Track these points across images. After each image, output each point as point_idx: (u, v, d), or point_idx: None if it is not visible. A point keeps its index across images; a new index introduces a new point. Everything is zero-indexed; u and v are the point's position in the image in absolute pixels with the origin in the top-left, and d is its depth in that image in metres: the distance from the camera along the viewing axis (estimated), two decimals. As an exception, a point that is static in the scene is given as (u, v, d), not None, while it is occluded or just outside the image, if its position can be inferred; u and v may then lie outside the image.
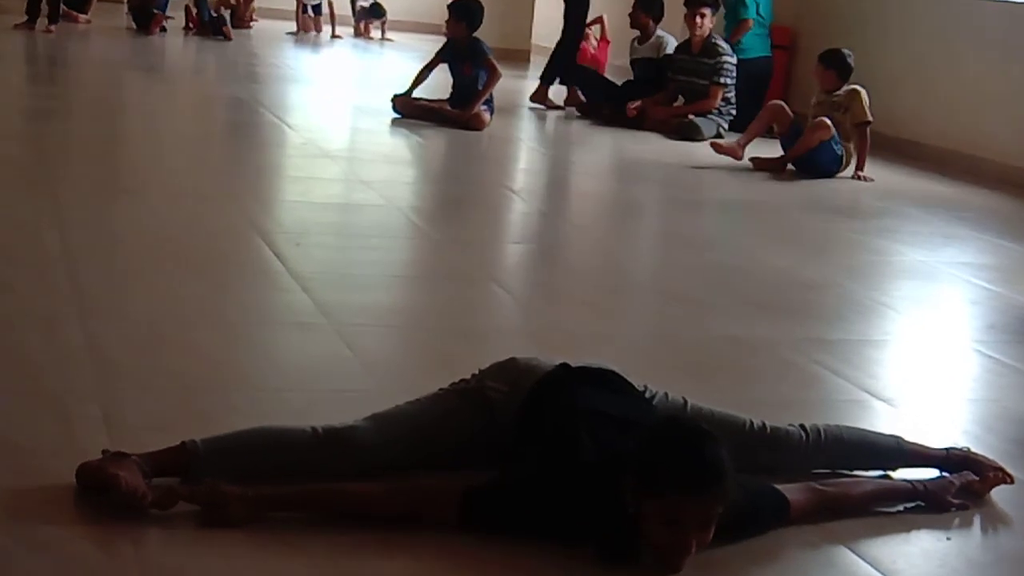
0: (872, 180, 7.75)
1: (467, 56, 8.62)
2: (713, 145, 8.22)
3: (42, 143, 6.59)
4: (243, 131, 8.07)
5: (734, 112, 9.12)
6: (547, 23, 14.58)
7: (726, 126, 9.01)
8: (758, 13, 9.80)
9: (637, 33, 9.93)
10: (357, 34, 16.27)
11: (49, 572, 2.18)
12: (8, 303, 3.68)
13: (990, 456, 3.00)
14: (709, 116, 9.02)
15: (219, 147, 7.52)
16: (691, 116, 8.99)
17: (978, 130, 8.67)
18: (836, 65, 8.00)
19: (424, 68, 8.81)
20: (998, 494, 2.89)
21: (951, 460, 2.95)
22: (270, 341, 3.69)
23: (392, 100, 8.64)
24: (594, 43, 11.52)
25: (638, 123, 9.16)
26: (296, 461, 2.58)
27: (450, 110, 8.47)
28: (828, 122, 7.86)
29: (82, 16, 13.41)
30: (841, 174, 7.80)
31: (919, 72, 9.27)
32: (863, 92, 7.93)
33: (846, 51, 8.13)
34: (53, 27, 11.86)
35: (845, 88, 7.95)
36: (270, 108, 8.87)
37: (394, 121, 8.46)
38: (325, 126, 8.62)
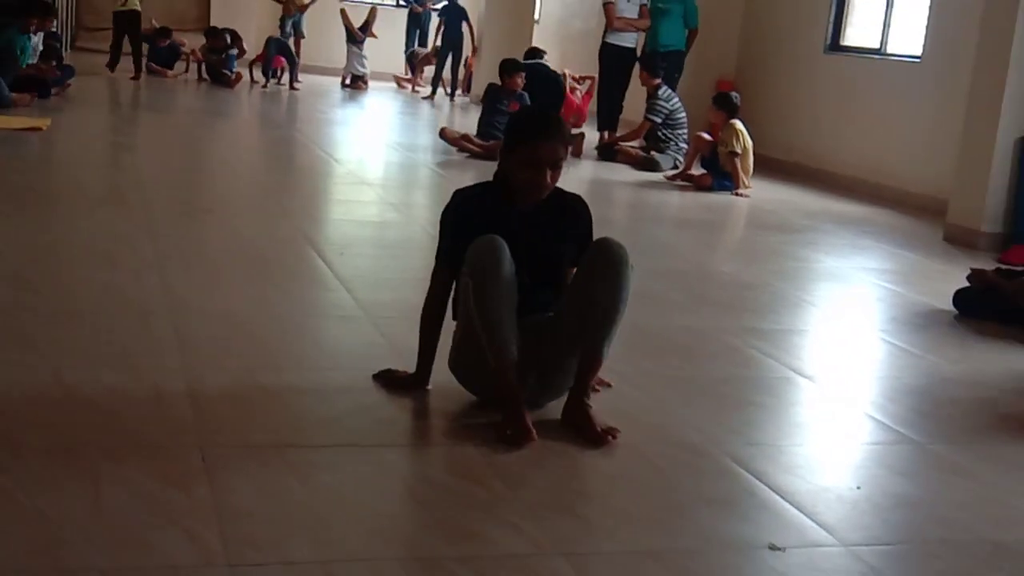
0: (746, 196, 7.79)
1: (514, 98, 8.63)
2: (667, 177, 8.38)
3: (138, 172, 6.57)
4: (297, 163, 8.05)
5: (685, 146, 9.05)
6: (547, 29, 14.13)
7: (681, 159, 8.98)
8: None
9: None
10: (403, 86, 14.95)
11: (136, 505, 2.17)
12: (111, 300, 3.67)
13: (893, 423, 2.98)
14: (667, 152, 9.02)
15: (278, 176, 7.50)
16: (652, 152, 9.02)
17: (881, 162, 8.67)
18: (724, 106, 8.09)
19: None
20: (899, 452, 2.89)
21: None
22: (318, 330, 3.68)
23: (440, 130, 8.68)
24: (578, 96, 11.43)
25: (611, 156, 9.22)
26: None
27: (485, 144, 8.29)
28: (703, 136, 8.13)
29: (169, 71, 13.44)
30: (739, 191, 7.87)
31: (835, 116, 9.27)
32: (736, 126, 7.96)
33: (733, 94, 8.24)
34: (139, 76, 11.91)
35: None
36: (320, 145, 8.85)
37: (420, 156, 8.43)
38: (364, 160, 8.59)
